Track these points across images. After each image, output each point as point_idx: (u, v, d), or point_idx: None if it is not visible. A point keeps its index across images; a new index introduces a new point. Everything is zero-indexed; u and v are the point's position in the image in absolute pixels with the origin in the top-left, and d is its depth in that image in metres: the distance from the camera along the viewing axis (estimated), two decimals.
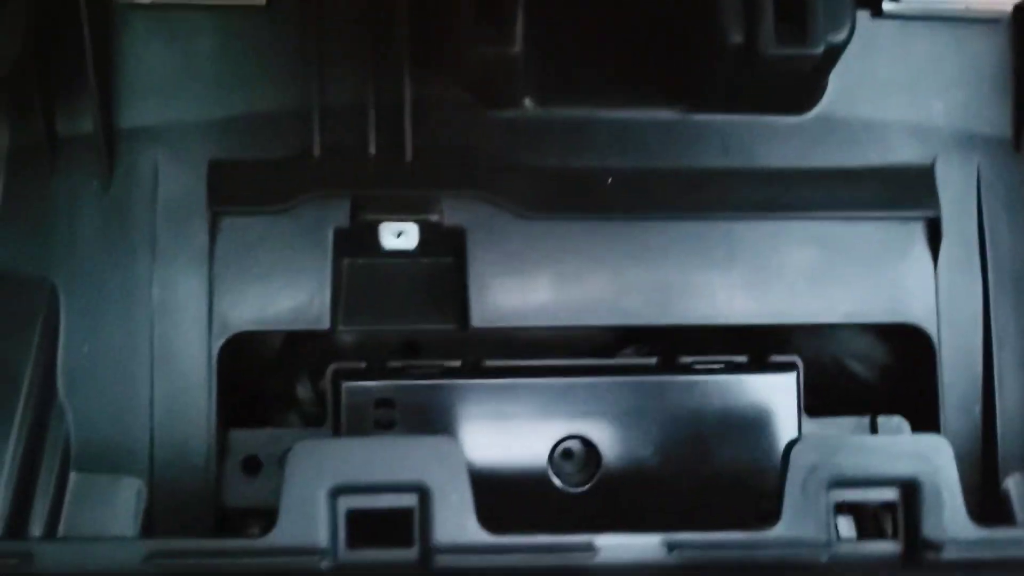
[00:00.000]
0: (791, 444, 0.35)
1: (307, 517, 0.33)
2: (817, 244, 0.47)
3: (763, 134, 0.47)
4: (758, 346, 0.48)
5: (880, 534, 0.38)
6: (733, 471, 0.45)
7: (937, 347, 0.47)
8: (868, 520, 0.41)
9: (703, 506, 0.44)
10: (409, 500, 0.34)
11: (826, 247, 0.47)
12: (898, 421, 0.47)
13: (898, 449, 0.36)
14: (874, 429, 0.47)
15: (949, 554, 0.34)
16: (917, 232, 0.47)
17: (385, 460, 0.34)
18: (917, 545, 0.35)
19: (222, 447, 0.44)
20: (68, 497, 0.42)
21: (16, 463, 0.40)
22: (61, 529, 0.41)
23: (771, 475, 0.45)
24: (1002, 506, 0.45)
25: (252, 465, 0.45)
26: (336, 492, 0.34)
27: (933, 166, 0.48)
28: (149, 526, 0.42)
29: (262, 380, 0.49)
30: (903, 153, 0.48)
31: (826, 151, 0.48)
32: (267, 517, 0.45)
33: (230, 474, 0.45)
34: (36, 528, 0.40)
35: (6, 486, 0.39)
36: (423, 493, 0.34)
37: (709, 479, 0.45)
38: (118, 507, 0.42)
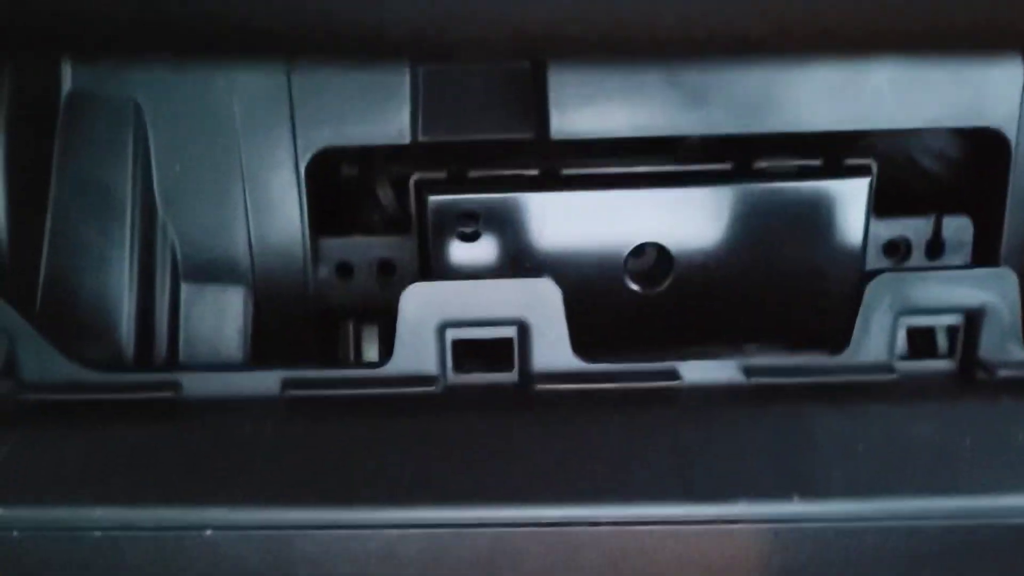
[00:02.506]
0: (868, 276, 0.38)
1: (419, 349, 0.37)
2: (904, 47, 0.46)
3: None
4: (832, 149, 0.48)
5: (931, 348, 0.41)
6: (799, 272, 0.47)
7: (1013, 151, 0.47)
8: (919, 335, 0.44)
9: (770, 308, 0.47)
10: (509, 332, 0.37)
11: (913, 50, 0.46)
12: (962, 221, 0.49)
13: (967, 279, 0.38)
14: (938, 228, 0.49)
15: (1002, 374, 0.38)
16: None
17: (488, 299, 0.37)
18: (972, 365, 0.38)
19: (315, 254, 0.47)
20: (182, 308, 0.45)
21: (135, 279, 0.43)
22: (181, 338, 0.45)
23: (835, 277, 0.47)
24: None
25: (344, 269, 0.48)
26: (444, 327, 0.37)
27: None
28: (256, 329, 0.46)
29: (344, 189, 0.51)
30: None
31: None
32: (359, 315, 0.50)
33: (325, 278, 0.48)
34: (161, 339, 0.44)
35: (129, 301, 0.43)
36: (522, 327, 0.37)
37: (776, 280, 0.47)
38: (228, 314, 0.46)
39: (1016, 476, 0.34)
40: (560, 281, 0.37)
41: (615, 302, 0.47)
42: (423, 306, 0.36)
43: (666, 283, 0.47)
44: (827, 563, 0.33)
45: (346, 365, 0.38)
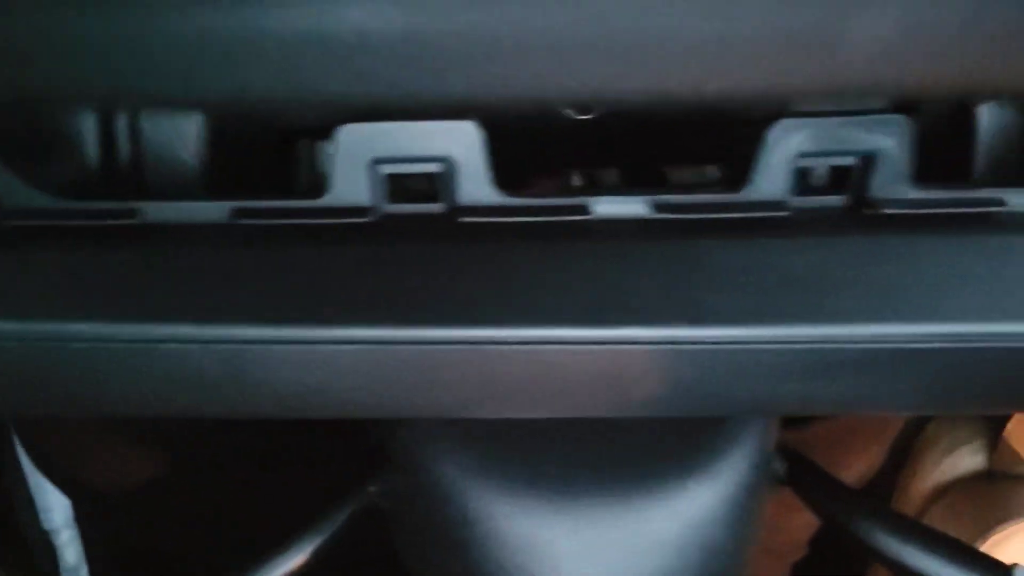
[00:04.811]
0: (770, 124, 0.40)
1: (354, 183, 0.40)
2: None
3: None
4: None
5: (827, 185, 0.44)
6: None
7: None
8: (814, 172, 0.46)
9: (693, 135, 0.50)
10: (436, 167, 0.40)
11: None
12: None
13: (863, 124, 0.40)
14: None
15: (887, 211, 0.41)
16: None
17: (416, 138, 0.40)
18: (861, 203, 0.42)
19: None
20: (143, 130, 0.48)
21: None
22: (142, 160, 0.47)
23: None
24: None
25: None
26: (376, 162, 0.40)
27: None
28: (212, 152, 0.49)
29: None
30: None
31: None
32: (315, 134, 0.52)
33: None
34: (122, 163, 0.47)
35: (90, 126, 0.45)
36: (448, 163, 0.40)
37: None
38: (185, 136, 0.48)
39: (878, 305, 0.39)
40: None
41: (551, 128, 0.50)
42: (357, 143, 0.39)
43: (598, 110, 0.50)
44: (701, 379, 0.39)
45: (289, 196, 0.41)
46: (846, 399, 0.41)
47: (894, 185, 0.41)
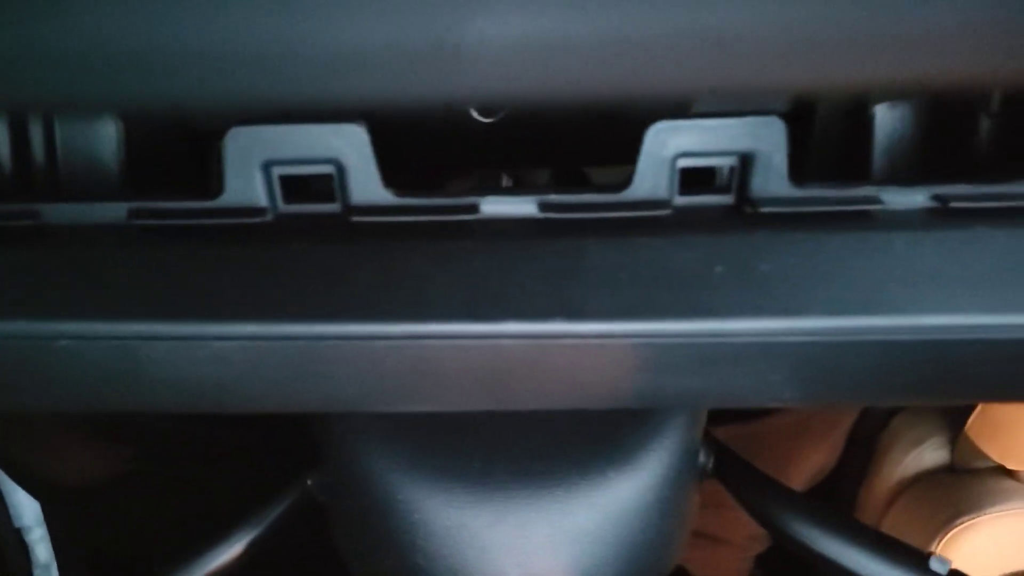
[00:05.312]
0: (649, 127, 0.42)
1: (248, 185, 0.42)
2: None
3: None
4: None
5: (711, 185, 0.45)
6: None
7: None
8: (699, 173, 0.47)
9: (597, 135, 0.51)
10: (327, 168, 0.42)
11: None
12: None
13: (740, 126, 0.42)
14: None
15: (767, 208, 0.42)
16: None
17: (305, 140, 0.41)
18: (743, 202, 0.43)
19: None
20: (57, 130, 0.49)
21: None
22: (57, 159, 0.49)
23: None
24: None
25: None
26: (268, 165, 0.41)
27: None
28: (129, 152, 0.50)
29: None
30: None
31: None
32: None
33: None
34: (37, 164, 0.48)
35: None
36: (338, 164, 0.41)
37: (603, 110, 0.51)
38: (102, 137, 0.49)
39: (754, 300, 0.40)
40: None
41: (460, 130, 0.51)
42: (247, 145, 0.41)
43: (503, 111, 0.51)
44: (579, 373, 0.40)
45: (186, 197, 0.42)
46: (726, 392, 0.42)
47: (773, 184, 0.42)
